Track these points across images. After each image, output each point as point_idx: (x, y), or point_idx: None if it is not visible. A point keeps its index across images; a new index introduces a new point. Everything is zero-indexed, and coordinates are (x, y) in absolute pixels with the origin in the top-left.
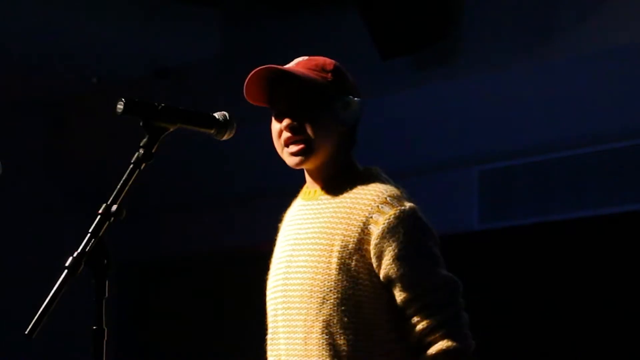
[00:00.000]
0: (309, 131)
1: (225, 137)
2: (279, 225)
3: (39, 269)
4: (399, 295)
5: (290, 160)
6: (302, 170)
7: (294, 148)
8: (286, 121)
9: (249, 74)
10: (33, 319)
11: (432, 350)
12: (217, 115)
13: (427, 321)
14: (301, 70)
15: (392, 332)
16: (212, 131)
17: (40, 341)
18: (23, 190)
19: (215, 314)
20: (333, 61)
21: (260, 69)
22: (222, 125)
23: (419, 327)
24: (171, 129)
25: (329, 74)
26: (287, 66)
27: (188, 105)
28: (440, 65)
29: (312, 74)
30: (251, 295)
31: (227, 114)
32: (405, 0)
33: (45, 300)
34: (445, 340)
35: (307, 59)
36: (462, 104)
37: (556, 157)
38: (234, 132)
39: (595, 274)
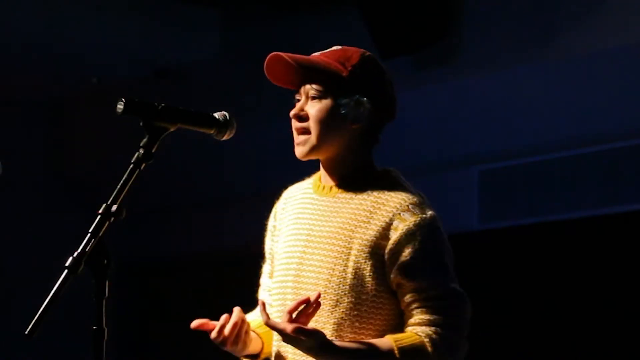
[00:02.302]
0: (311, 122)
1: (225, 137)
2: (274, 207)
3: (39, 269)
4: (405, 299)
5: (296, 151)
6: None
7: (296, 139)
8: (294, 109)
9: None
10: (33, 319)
11: (415, 329)
12: (217, 115)
13: (424, 317)
14: (322, 59)
15: None
16: (212, 131)
17: (40, 341)
18: (23, 190)
19: (215, 314)
20: (362, 55)
21: (272, 55)
22: (222, 125)
23: (415, 319)
24: (171, 129)
25: (347, 69)
26: (316, 53)
27: (188, 105)
28: (440, 65)
29: (331, 65)
30: (251, 295)
31: (227, 114)
32: (405, 0)
33: (45, 300)
34: (425, 334)
35: (339, 49)
36: (462, 104)
37: (556, 157)
38: (234, 132)
39: (595, 274)
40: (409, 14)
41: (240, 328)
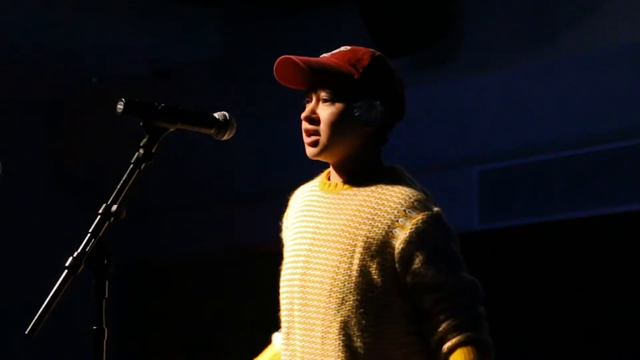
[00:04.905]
0: (322, 125)
1: (225, 137)
2: (286, 209)
3: (39, 269)
4: (426, 298)
5: (307, 151)
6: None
7: (307, 140)
8: (305, 112)
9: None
10: (33, 319)
11: (453, 346)
12: (217, 115)
13: (451, 320)
14: (333, 61)
15: (410, 335)
16: (212, 131)
17: (40, 341)
18: (23, 190)
19: (215, 314)
20: (373, 56)
21: (282, 58)
22: (222, 125)
23: (443, 325)
24: (171, 129)
25: (359, 71)
26: (325, 54)
27: (188, 105)
28: (440, 65)
29: (343, 68)
30: (251, 295)
31: (227, 114)
32: (405, 0)
33: (45, 300)
34: (466, 339)
35: (348, 49)
36: (462, 104)
37: (556, 157)
38: (234, 132)
39: (595, 274)
40: (408, 14)
41: None
